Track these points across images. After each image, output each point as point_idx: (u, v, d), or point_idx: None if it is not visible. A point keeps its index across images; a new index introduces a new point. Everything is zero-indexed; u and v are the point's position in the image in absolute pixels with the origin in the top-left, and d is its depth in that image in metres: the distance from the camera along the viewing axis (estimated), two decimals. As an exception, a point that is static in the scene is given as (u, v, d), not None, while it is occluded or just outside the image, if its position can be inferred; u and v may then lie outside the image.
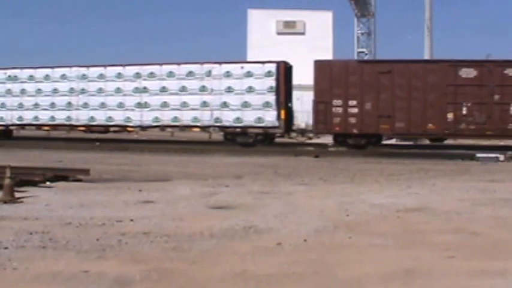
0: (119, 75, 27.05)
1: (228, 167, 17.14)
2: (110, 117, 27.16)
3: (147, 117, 26.60)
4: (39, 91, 28.30)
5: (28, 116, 28.51)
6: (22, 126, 29.38)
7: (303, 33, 50.22)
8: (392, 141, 30.64)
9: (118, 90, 26.94)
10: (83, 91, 27.61)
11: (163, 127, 27.13)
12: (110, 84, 27.13)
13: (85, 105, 27.52)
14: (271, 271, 5.64)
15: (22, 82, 28.77)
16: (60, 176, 12.75)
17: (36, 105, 28.30)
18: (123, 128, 28.19)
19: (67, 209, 9.11)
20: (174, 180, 13.36)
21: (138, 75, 26.71)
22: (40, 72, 28.53)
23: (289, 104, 25.46)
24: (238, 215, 8.60)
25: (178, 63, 26.56)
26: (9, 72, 29.29)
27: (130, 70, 26.98)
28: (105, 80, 27.24)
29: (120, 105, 26.93)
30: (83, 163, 16.39)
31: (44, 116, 28.22)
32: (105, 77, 27.26)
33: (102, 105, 27.21)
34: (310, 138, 28.09)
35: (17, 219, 8.13)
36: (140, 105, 26.60)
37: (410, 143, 29.70)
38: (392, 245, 6.84)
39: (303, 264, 5.87)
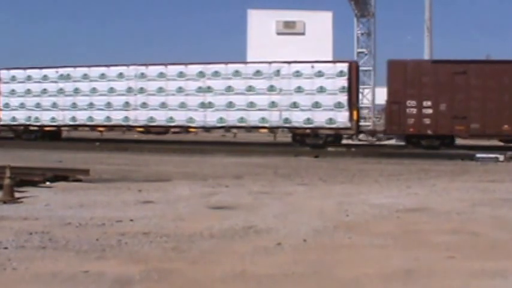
0: (181, 74, 26.20)
1: (227, 167, 17.14)
2: (170, 118, 26.32)
3: (211, 118, 25.81)
4: (94, 90, 27.41)
5: (82, 117, 27.68)
6: (75, 127, 28.56)
7: (302, 34, 50.23)
8: (392, 142, 30.63)
9: (180, 90, 26.12)
10: (141, 90, 26.73)
11: (228, 128, 26.56)
12: (171, 84, 26.27)
13: (144, 105, 26.66)
14: (271, 271, 5.64)
15: (75, 81, 27.87)
16: (60, 176, 12.76)
17: (90, 105, 27.45)
18: (184, 128, 27.43)
19: (67, 209, 9.12)
20: (174, 181, 13.36)
21: (201, 74, 25.93)
22: (95, 71, 27.61)
23: (359, 105, 24.89)
24: (238, 215, 8.60)
25: (245, 62, 26.03)
26: (61, 70, 28.40)
27: (193, 69, 26.17)
28: (166, 79, 26.39)
29: (182, 105, 26.09)
30: (83, 163, 16.39)
31: (99, 116, 27.39)
32: (166, 75, 26.39)
33: (163, 105, 26.35)
34: (379, 139, 27.74)
35: (17, 219, 8.13)
36: (204, 105, 25.81)
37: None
38: (392, 245, 6.84)
39: (302, 265, 5.87)
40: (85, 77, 27.73)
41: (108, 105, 27.18)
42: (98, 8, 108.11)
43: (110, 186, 12.15)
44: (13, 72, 29.31)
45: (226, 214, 8.79)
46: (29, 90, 28.71)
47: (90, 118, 27.58)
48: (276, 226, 7.80)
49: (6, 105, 29.15)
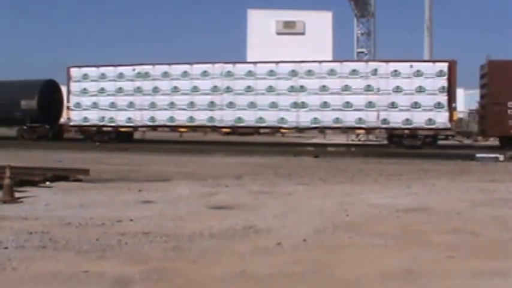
0: (271, 73, 25.36)
1: (227, 167, 17.14)
2: (260, 118, 25.41)
3: (304, 118, 24.98)
4: (175, 89, 26.31)
5: (162, 117, 26.57)
6: (154, 127, 27.38)
7: (302, 34, 50.27)
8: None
9: (270, 89, 25.26)
10: (228, 89, 25.79)
11: (322, 128, 25.68)
12: (260, 82, 25.36)
13: (231, 105, 25.71)
14: (271, 271, 5.64)
15: (154, 79, 26.71)
16: (60, 176, 12.75)
17: (171, 105, 26.33)
18: (275, 129, 26.44)
19: (67, 209, 9.12)
20: (173, 180, 13.36)
21: (293, 73, 25.10)
22: (176, 69, 26.52)
23: (454, 105, 24.39)
24: (238, 215, 8.60)
25: (340, 61, 25.22)
26: (139, 68, 27.22)
27: (284, 67, 25.39)
28: (255, 78, 25.49)
29: (273, 105, 25.25)
30: (83, 163, 16.38)
31: (180, 117, 26.28)
32: (255, 74, 25.52)
33: (252, 105, 25.44)
34: (476, 140, 27.39)
35: (17, 219, 8.13)
36: (296, 105, 24.98)
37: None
38: (392, 245, 6.84)
39: (302, 264, 5.87)
40: (165, 75, 26.54)
41: (191, 104, 26.07)
42: (98, 7, 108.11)
43: (110, 186, 12.15)
44: (85, 70, 28.13)
45: (226, 214, 8.79)
46: (102, 89, 27.49)
47: (171, 118, 26.44)
48: (276, 226, 7.80)
49: (77, 105, 27.95)
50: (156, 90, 26.62)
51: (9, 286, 5.20)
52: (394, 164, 18.52)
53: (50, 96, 29.67)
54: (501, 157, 20.24)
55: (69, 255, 6.20)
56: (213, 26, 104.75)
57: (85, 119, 27.88)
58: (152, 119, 26.79)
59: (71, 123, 28.50)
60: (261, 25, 50.21)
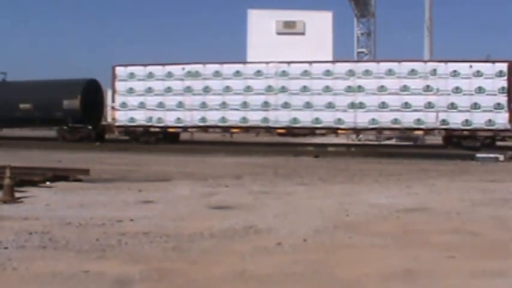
0: (328, 73, 24.83)
1: (227, 167, 17.14)
2: (316, 119, 24.85)
3: (362, 119, 24.53)
4: (227, 89, 25.63)
5: (213, 117, 25.86)
6: (205, 128, 26.59)
7: (303, 34, 50.17)
8: (392, 142, 30.68)
9: (326, 89, 24.71)
10: (283, 89, 25.22)
11: (380, 129, 25.12)
12: (316, 82, 24.79)
13: (286, 105, 25.12)
14: (271, 271, 5.64)
15: (205, 79, 26.01)
16: (60, 176, 12.76)
17: (223, 105, 25.66)
18: (332, 130, 25.75)
19: (67, 209, 9.12)
20: (174, 180, 13.36)
21: (351, 73, 24.65)
22: (228, 68, 25.89)
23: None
24: (238, 215, 8.60)
25: (398, 61, 24.73)
26: (189, 67, 26.48)
27: (341, 67, 24.94)
28: (311, 78, 24.95)
29: (330, 106, 24.70)
30: (83, 163, 16.38)
31: (233, 117, 25.60)
32: (311, 74, 24.97)
33: (308, 105, 24.89)
34: None
35: (17, 219, 8.13)
36: (354, 106, 24.50)
37: (410, 143, 29.72)
38: (392, 245, 6.84)
39: (302, 264, 5.87)
40: (217, 74, 25.89)
41: (244, 105, 25.40)
42: (97, 7, 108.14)
43: (110, 186, 12.15)
44: (131, 69, 27.33)
45: (226, 214, 8.79)
46: (150, 88, 26.72)
47: (223, 119, 25.76)
48: (276, 226, 7.80)
49: (123, 105, 27.12)
50: (207, 89, 25.96)
51: (9, 286, 5.20)
52: (394, 164, 18.52)
53: (93, 96, 28.94)
54: (501, 157, 20.25)
55: (70, 255, 6.20)
56: (213, 26, 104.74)
57: (131, 119, 27.04)
58: (203, 119, 26.12)
59: (116, 124, 27.62)
60: (261, 25, 50.11)
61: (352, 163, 18.95)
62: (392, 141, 30.96)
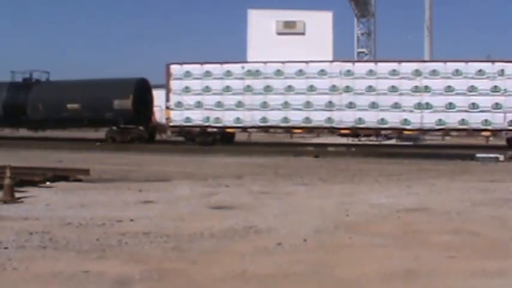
0: (394, 72, 24.33)
1: (227, 167, 17.14)
2: (382, 119, 24.32)
3: (428, 120, 24.07)
4: (289, 88, 24.99)
5: (274, 117, 25.22)
6: (265, 128, 25.99)
7: (303, 34, 50.14)
8: (393, 142, 30.66)
9: (392, 89, 24.25)
10: (347, 89, 24.67)
11: (447, 130, 24.73)
12: (381, 82, 24.30)
13: (350, 105, 24.60)
14: (271, 271, 5.64)
15: (266, 78, 25.37)
16: (60, 176, 12.76)
17: (285, 105, 25.06)
18: (398, 131, 25.23)
19: (67, 209, 9.12)
20: (174, 180, 13.36)
21: (417, 73, 24.16)
22: (290, 67, 25.24)
23: None
24: (238, 215, 8.60)
25: (466, 61, 24.31)
26: (248, 66, 26.17)
27: (407, 67, 24.38)
28: (376, 77, 24.44)
29: (395, 106, 24.24)
30: (83, 163, 16.38)
31: (295, 117, 24.97)
32: (376, 73, 24.47)
33: (373, 106, 24.40)
34: None
35: (17, 219, 8.14)
36: (420, 106, 24.03)
37: (410, 143, 29.71)
38: (392, 245, 6.84)
39: (303, 264, 5.88)
40: (278, 73, 25.28)
41: (307, 104, 24.84)
42: (96, 7, 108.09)
43: (110, 186, 12.15)
44: (187, 67, 26.59)
45: (227, 214, 8.79)
46: (207, 87, 26.01)
47: (285, 119, 25.13)
48: (276, 226, 7.81)
49: (178, 104, 26.37)
50: (268, 89, 25.32)
51: (9, 286, 5.20)
52: (394, 164, 18.52)
53: (143, 95, 28.11)
54: (501, 157, 20.25)
55: (70, 255, 6.20)
56: (213, 26, 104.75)
57: (187, 119, 26.34)
58: (264, 119, 25.45)
59: (171, 124, 26.82)
60: (261, 25, 50.06)
61: (352, 163, 18.95)
62: (392, 141, 30.94)
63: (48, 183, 12.09)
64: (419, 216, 8.74)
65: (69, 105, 27.90)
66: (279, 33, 50.39)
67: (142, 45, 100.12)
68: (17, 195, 10.07)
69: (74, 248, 6.47)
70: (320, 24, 49.37)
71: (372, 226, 7.97)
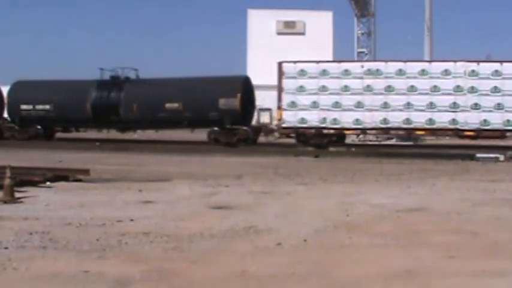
0: None
1: (228, 167, 17.14)
2: (508, 121, 23.43)
3: None
4: (411, 88, 23.93)
5: (395, 118, 24.14)
6: (386, 130, 25.01)
7: (303, 34, 50.21)
8: (392, 141, 30.66)
9: None
10: (472, 90, 23.57)
11: None
12: (508, 83, 23.30)
13: (475, 106, 23.58)
14: (271, 271, 5.64)
15: (387, 77, 24.27)
16: (60, 176, 12.75)
17: (407, 106, 23.98)
18: None
19: (67, 209, 9.12)
20: (174, 180, 13.36)
21: None
22: (413, 66, 24.24)
23: None
24: (238, 215, 8.60)
25: None
26: (368, 65, 25.42)
27: None
28: (502, 78, 23.41)
29: None
30: (83, 163, 16.37)
31: (418, 118, 23.97)
32: (501, 74, 23.42)
33: (498, 107, 23.34)
34: None
35: (17, 219, 8.13)
36: None
37: (410, 143, 29.71)
38: (392, 245, 6.85)
39: (303, 265, 5.87)
40: (400, 72, 24.15)
41: (431, 105, 23.83)
42: (96, 6, 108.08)
43: (110, 186, 12.15)
44: (301, 65, 25.37)
45: (227, 214, 8.79)
46: (323, 86, 24.79)
47: (407, 120, 24.04)
48: (277, 226, 7.80)
49: (292, 104, 25.08)
50: (389, 89, 24.23)
51: (9, 286, 5.20)
52: (394, 164, 18.52)
53: (249, 94, 26.85)
54: (501, 157, 20.25)
55: (70, 255, 6.20)
56: (213, 26, 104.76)
57: (302, 120, 25.03)
58: (384, 120, 24.31)
59: (284, 125, 25.48)
60: (261, 25, 50.14)
61: (352, 163, 18.95)
62: (393, 141, 30.95)
63: (48, 183, 12.08)
64: (419, 216, 8.74)
65: (167, 105, 26.29)
66: (279, 33, 50.46)
67: (139, 45, 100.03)
68: (17, 195, 10.07)
69: (74, 248, 6.47)
70: (320, 24, 49.45)
71: (372, 226, 7.96)
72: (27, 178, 11.81)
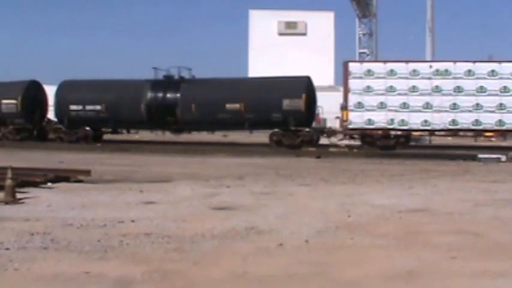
0: None
1: (229, 168, 17.13)
2: None
3: None
4: (480, 89, 23.49)
5: (465, 120, 23.71)
6: (455, 131, 24.68)
7: (304, 34, 50.29)
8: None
9: None
10: None
11: None
12: None
13: None
14: (273, 272, 5.64)
15: (456, 78, 23.81)
16: (61, 176, 12.74)
17: (476, 107, 23.50)
18: None
19: (68, 209, 9.11)
20: (175, 181, 13.35)
21: None
22: (482, 67, 23.80)
23: None
24: (240, 216, 8.60)
25: None
26: (437, 65, 24.60)
27: None
28: None
29: None
30: (84, 164, 16.36)
31: (487, 120, 23.51)
32: None
33: None
34: None
35: (19, 220, 8.13)
36: None
37: (412, 143, 29.66)
38: (394, 245, 6.84)
39: (304, 265, 5.87)
40: (469, 73, 23.72)
41: (500, 107, 23.39)
42: (95, 4, 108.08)
43: (111, 187, 12.15)
44: (368, 65, 25.38)
45: (228, 215, 8.79)
46: (391, 87, 24.22)
47: (477, 122, 23.63)
48: (278, 227, 7.80)
49: (358, 105, 24.43)
50: (458, 89, 23.80)
51: (11, 287, 5.20)
52: (396, 165, 18.51)
53: (313, 95, 26.11)
54: (503, 157, 20.22)
55: (71, 256, 6.20)
56: (214, 26, 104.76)
57: (369, 121, 24.35)
58: (453, 122, 23.83)
59: (350, 126, 24.73)
60: (262, 26, 50.23)
61: (354, 164, 18.93)
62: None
63: (49, 184, 12.07)
64: (421, 217, 8.73)
65: (228, 106, 25.38)
66: (280, 34, 50.51)
67: (139, 45, 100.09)
68: (18, 196, 10.06)
69: (76, 249, 6.47)
70: (321, 25, 49.51)
71: (373, 227, 7.96)
72: (28, 179, 11.80)
